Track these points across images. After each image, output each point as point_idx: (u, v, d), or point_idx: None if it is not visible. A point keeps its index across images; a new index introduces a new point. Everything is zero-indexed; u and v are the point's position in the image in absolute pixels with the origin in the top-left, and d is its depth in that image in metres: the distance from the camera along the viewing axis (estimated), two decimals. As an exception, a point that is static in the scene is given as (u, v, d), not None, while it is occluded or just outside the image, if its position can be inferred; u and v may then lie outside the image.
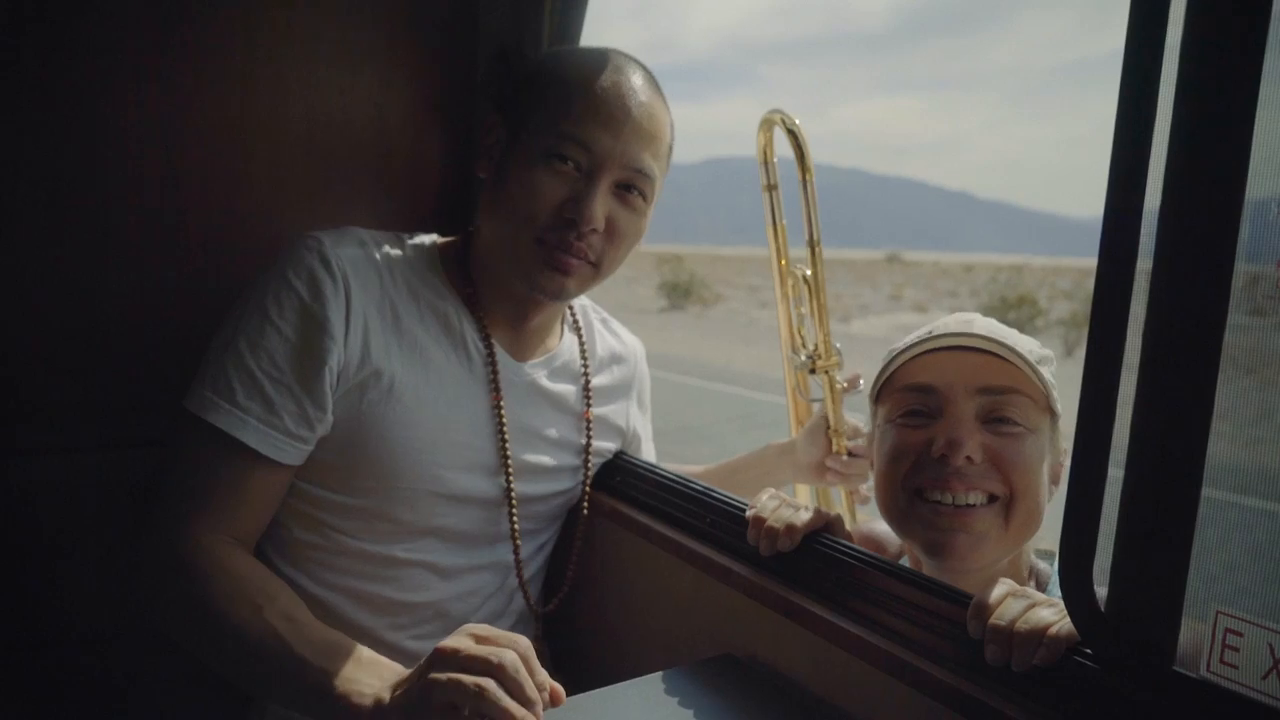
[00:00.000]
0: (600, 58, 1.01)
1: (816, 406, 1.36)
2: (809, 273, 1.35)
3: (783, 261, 1.39)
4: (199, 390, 0.94)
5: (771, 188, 1.39)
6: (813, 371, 1.35)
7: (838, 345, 1.35)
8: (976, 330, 0.93)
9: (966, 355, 0.91)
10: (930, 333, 0.95)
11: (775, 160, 1.38)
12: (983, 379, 0.90)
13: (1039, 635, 0.69)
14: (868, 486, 1.32)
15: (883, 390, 0.98)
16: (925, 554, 0.92)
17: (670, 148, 1.06)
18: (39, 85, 1.18)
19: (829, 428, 1.30)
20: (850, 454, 1.29)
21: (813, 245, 1.34)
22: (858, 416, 1.31)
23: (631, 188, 1.01)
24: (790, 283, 1.39)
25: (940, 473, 0.89)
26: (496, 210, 1.01)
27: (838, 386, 1.31)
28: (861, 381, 1.32)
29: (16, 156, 1.19)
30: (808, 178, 1.31)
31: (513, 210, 0.99)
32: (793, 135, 1.31)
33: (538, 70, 1.03)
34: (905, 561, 1.04)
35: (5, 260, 1.20)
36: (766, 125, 1.36)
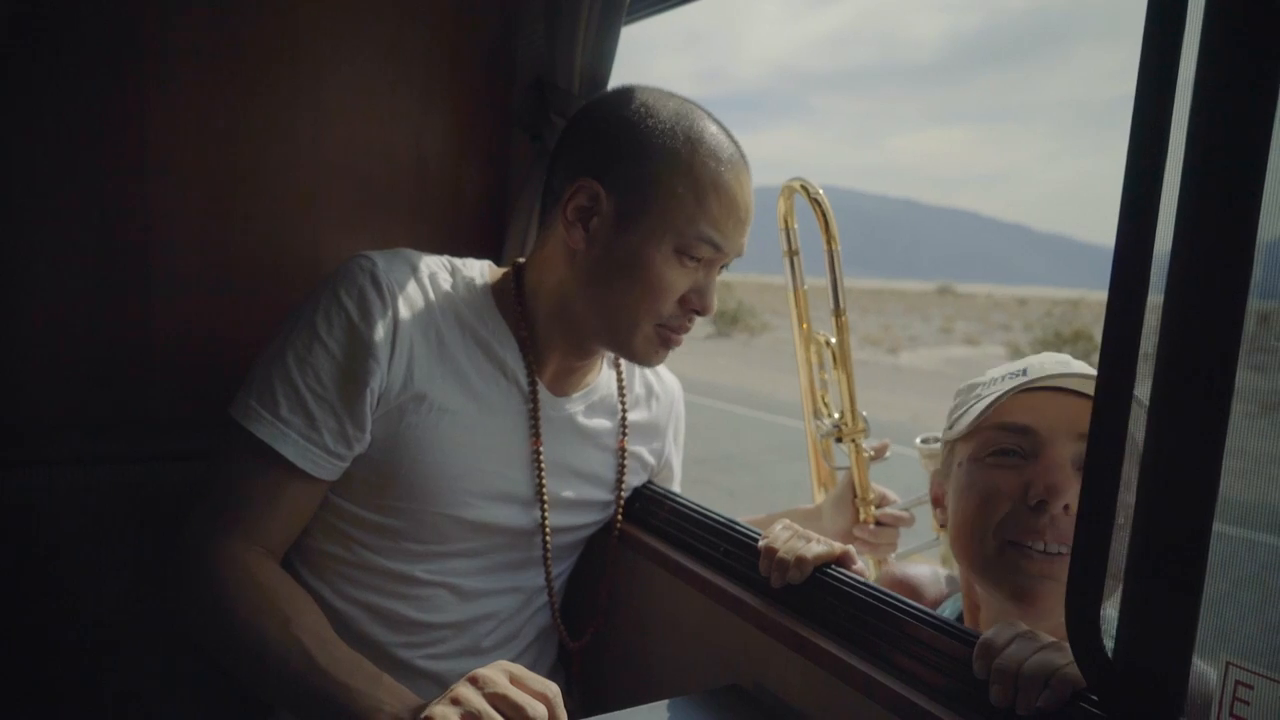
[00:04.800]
0: (717, 141, 1.01)
1: (840, 474, 1.33)
2: (832, 340, 1.33)
3: (804, 325, 1.38)
4: (244, 399, 0.97)
5: (793, 253, 1.38)
6: (839, 440, 1.33)
7: (864, 413, 1.32)
8: (1075, 371, 0.88)
9: (1066, 398, 0.86)
10: (1025, 370, 0.90)
11: (796, 226, 1.37)
12: (1084, 424, 0.82)
13: (1044, 678, 0.67)
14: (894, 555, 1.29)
15: (969, 429, 0.91)
16: (1011, 600, 0.87)
17: None
18: (86, 104, 1.24)
19: (856, 496, 1.27)
20: (878, 523, 1.26)
21: (837, 315, 1.32)
22: (883, 485, 1.28)
23: (725, 266, 1.06)
24: (813, 348, 1.37)
25: (1034, 521, 0.83)
26: (605, 287, 1.01)
27: (864, 454, 1.28)
28: (889, 452, 1.29)
29: (62, 170, 1.24)
30: (833, 247, 1.29)
31: (634, 297, 1.00)
32: (817, 204, 1.28)
33: (649, 145, 0.99)
34: (945, 609, 1.01)
35: (41, 273, 1.25)
36: (788, 192, 1.34)
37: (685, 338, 1.07)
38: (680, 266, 1.00)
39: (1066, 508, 0.83)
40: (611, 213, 1.01)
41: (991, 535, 0.87)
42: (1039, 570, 0.84)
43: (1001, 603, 0.89)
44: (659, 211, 0.99)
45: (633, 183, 1.00)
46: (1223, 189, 0.56)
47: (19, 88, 1.20)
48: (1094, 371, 0.88)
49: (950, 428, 0.95)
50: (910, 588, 1.08)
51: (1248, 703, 0.56)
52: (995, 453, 0.89)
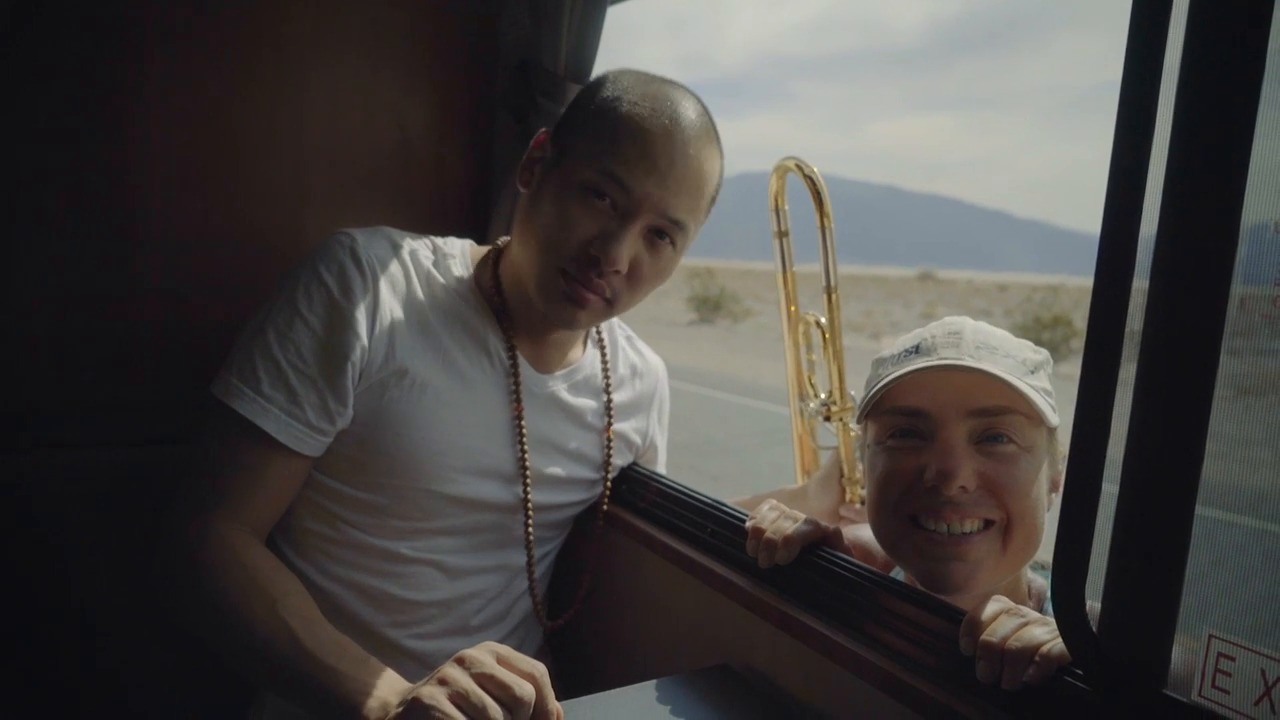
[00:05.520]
0: (662, 96, 0.99)
1: (825, 454, 1.34)
2: (823, 319, 1.33)
3: (792, 308, 1.38)
4: (225, 376, 0.97)
5: (783, 234, 1.37)
6: (827, 418, 1.33)
7: (853, 393, 1.32)
8: (965, 344, 0.89)
9: (957, 374, 0.87)
10: (918, 347, 0.91)
11: (787, 207, 1.36)
12: (975, 400, 0.86)
13: (1030, 654, 0.68)
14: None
15: (872, 410, 0.93)
16: (921, 583, 0.91)
17: (714, 198, 1.05)
18: (66, 89, 1.22)
19: (842, 475, 1.28)
20: (864, 503, 1.27)
21: (829, 292, 1.32)
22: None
23: (663, 235, 1.00)
24: (801, 328, 1.37)
25: (934, 502, 0.86)
26: (527, 229, 1.02)
27: (852, 434, 1.28)
28: None
29: (43, 156, 1.22)
30: (826, 224, 1.28)
31: (541, 235, 0.99)
32: (810, 181, 1.28)
33: (594, 97, 1.02)
34: (897, 571, 1.03)
35: (30, 259, 1.24)
36: (780, 171, 1.33)
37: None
38: (588, 206, 0.96)
39: (963, 488, 0.85)
40: (551, 157, 1.03)
41: (893, 513, 0.90)
42: (944, 553, 0.86)
43: (916, 583, 0.92)
44: (579, 148, 0.99)
45: (568, 126, 1.02)
46: (1208, 174, 0.57)
47: (-2, 74, 1.18)
48: (986, 337, 0.90)
49: (860, 406, 0.97)
50: (863, 551, 1.08)
51: (1229, 674, 0.57)
52: (895, 435, 0.90)
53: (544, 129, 1.06)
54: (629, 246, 0.97)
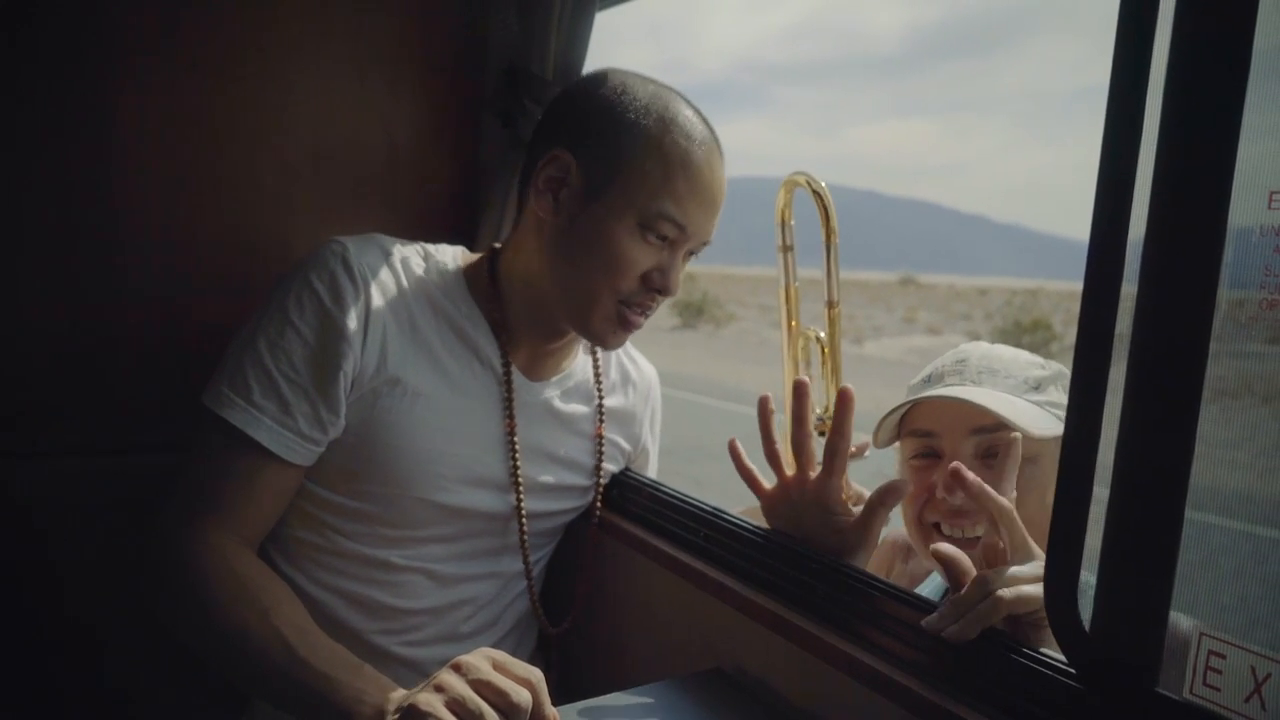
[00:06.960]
0: (690, 124, 1.01)
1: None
2: (822, 334, 1.33)
3: (793, 323, 1.37)
4: (217, 386, 0.96)
5: (787, 249, 1.36)
6: (822, 434, 1.33)
7: None
8: (969, 370, 1.01)
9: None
10: (930, 376, 1.05)
11: (793, 223, 1.36)
12: (975, 420, 0.97)
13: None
14: None
15: (899, 431, 1.07)
16: (948, 582, 0.95)
17: None
18: (51, 93, 1.21)
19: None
20: None
21: (830, 307, 1.32)
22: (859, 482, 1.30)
23: (694, 252, 1.06)
24: (800, 343, 1.36)
25: (947, 507, 0.98)
26: (565, 259, 1.02)
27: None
28: (868, 451, 1.31)
29: (28, 162, 1.21)
30: (832, 241, 1.28)
31: (595, 270, 1.00)
32: (818, 197, 1.28)
33: (622, 120, 1.00)
34: (930, 585, 1.11)
35: (16, 265, 1.23)
36: (788, 186, 1.33)
37: (650, 330, 1.08)
38: (644, 243, 1.00)
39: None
40: (580, 184, 1.01)
41: (918, 524, 1.03)
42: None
43: (948, 583, 0.98)
44: (624, 185, 0.99)
45: (602, 156, 1.00)
46: (1195, 178, 0.58)
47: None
48: (991, 360, 1.02)
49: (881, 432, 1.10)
50: (905, 548, 1.18)
51: (1220, 672, 0.58)
52: (916, 455, 1.04)
53: (562, 148, 1.01)
54: (679, 272, 1.05)
